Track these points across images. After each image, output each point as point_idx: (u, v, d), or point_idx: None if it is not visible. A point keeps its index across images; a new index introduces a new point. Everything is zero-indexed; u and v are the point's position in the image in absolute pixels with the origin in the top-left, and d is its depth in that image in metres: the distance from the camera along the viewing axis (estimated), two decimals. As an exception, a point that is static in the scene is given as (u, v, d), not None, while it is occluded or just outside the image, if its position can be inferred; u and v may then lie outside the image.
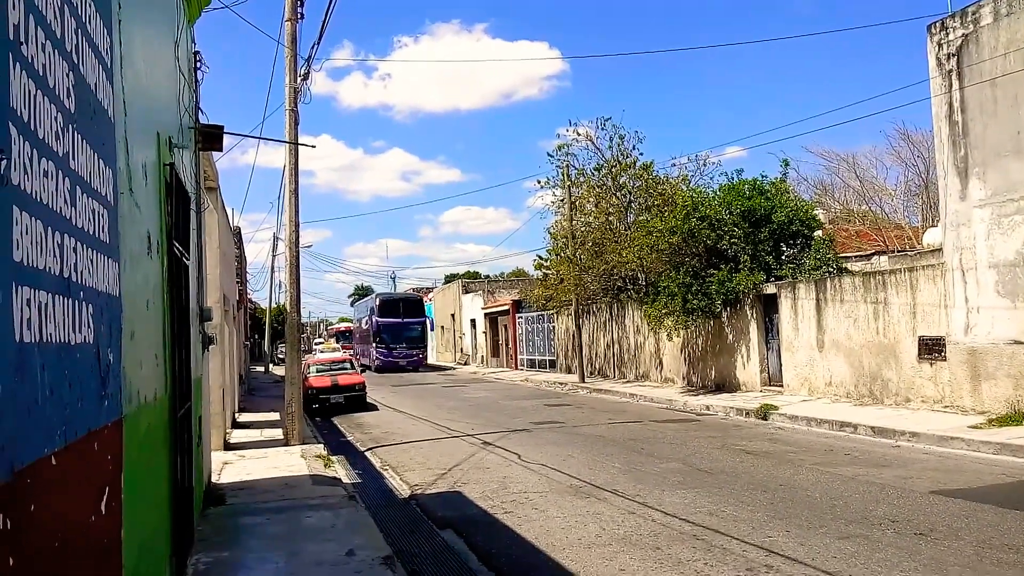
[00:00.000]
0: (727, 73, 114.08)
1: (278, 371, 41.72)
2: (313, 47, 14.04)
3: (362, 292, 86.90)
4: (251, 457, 12.67)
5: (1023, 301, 12.53)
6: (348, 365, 24.98)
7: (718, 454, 11.80)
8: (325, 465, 11.80)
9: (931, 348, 14.37)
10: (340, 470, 11.67)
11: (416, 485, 10.57)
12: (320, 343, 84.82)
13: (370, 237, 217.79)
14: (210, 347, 10.07)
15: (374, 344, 43.35)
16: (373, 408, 22.22)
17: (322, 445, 14.06)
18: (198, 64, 8.83)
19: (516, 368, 39.26)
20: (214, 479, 10.57)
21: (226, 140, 9.59)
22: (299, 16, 14.03)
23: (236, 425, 17.69)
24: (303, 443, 13.96)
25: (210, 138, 8.84)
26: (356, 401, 22.07)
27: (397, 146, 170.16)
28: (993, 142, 13.02)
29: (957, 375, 13.74)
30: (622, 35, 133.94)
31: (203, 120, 9.36)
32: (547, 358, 35.55)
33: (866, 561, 6.23)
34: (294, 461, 12.12)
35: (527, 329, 38.40)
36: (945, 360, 14.04)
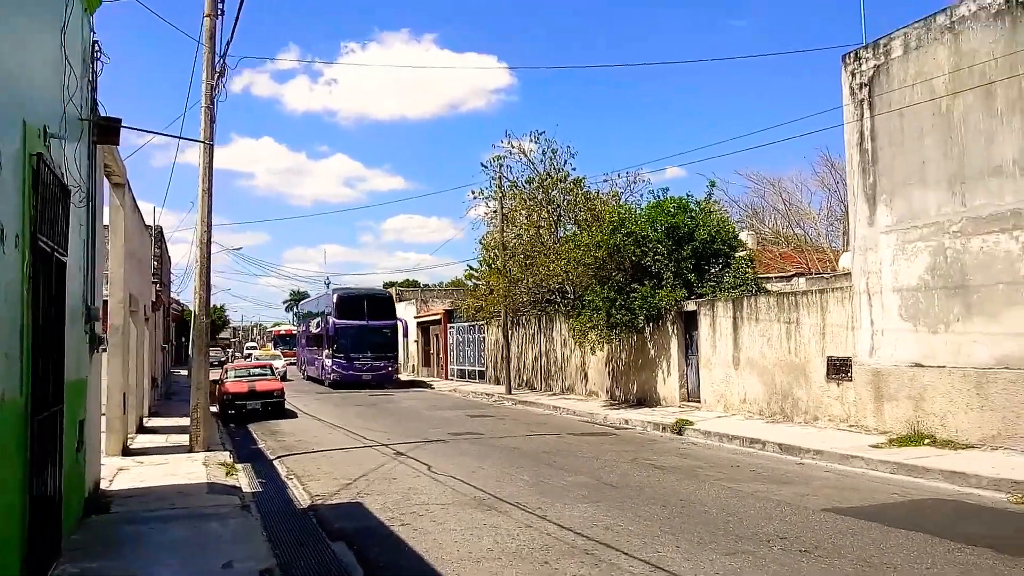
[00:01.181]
0: (674, 92, 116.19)
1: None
2: (226, 44, 13.69)
3: (298, 297, 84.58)
4: (150, 464, 12.21)
5: (924, 325, 12.95)
6: (268, 371, 24.41)
7: (627, 468, 11.85)
8: (227, 473, 11.44)
9: (839, 368, 14.74)
10: (243, 478, 11.33)
11: (318, 495, 10.31)
12: (253, 347, 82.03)
13: (311, 242, 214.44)
14: (103, 348, 9.66)
15: (329, 352, 35.01)
16: (292, 415, 21.74)
17: (228, 453, 13.64)
18: (96, 54, 8.49)
19: (447, 378, 39.04)
20: (105, 486, 10.13)
21: (155, 138, 9.27)
22: (219, 12, 13.68)
23: (143, 430, 17.07)
24: (208, 450, 13.53)
25: (107, 131, 8.50)
26: (274, 408, 21.58)
27: (341, 152, 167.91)
28: (900, 171, 13.45)
29: (862, 395, 14.11)
30: (572, 52, 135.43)
31: (103, 112, 9.03)
32: (477, 369, 35.42)
33: (747, 577, 6.28)
34: (195, 468, 11.72)
35: (459, 339, 38.23)
36: (851, 380, 14.41)
